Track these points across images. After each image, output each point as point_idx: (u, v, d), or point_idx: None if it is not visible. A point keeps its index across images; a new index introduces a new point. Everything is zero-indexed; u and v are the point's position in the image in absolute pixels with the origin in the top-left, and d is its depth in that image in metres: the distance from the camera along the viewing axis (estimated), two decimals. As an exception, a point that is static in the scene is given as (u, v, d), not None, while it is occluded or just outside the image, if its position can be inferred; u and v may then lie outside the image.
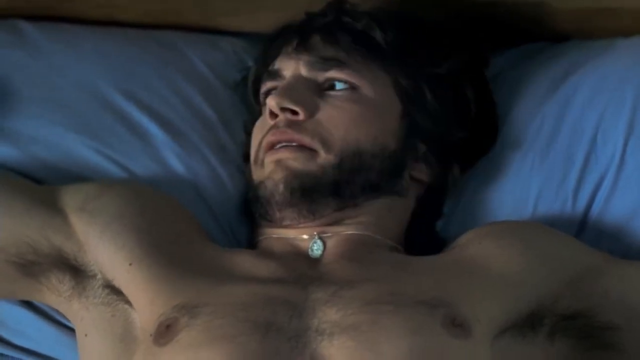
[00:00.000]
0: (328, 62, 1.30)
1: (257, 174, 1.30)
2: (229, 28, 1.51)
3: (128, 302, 1.20)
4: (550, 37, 1.49)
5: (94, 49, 1.44)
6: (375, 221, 1.28)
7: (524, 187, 1.37)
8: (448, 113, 1.33)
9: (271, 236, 1.29)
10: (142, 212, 1.26)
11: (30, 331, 1.32)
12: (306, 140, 1.26)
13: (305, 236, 1.27)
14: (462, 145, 1.35)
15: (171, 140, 1.38)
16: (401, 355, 1.09)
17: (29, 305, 1.32)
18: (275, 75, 1.33)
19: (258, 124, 1.34)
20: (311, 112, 1.28)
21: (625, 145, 1.35)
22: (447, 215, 1.39)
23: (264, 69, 1.36)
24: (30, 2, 1.43)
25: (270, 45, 1.37)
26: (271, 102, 1.27)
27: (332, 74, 1.30)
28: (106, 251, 1.22)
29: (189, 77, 1.44)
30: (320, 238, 1.26)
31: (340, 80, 1.30)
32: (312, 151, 1.26)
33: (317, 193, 1.25)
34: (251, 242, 1.35)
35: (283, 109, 1.27)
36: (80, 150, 1.36)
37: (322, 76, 1.30)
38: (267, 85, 1.34)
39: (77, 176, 1.35)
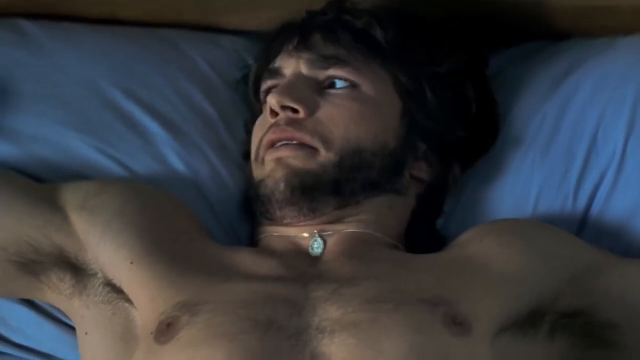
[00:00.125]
0: (329, 61, 1.30)
1: (257, 173, 1.30)
2: (229, 26, 1.51)
3: (129, 300, 1.20)
4: (550, 36, 1.48)
5: (94, 48, 1.43)
6: (376, 219, 1.29)
7: (524, 185, 1.37)
8: (448, 112, 1.33)
9: (272, 234, 1.29)
10: (143, 210, 1.26)
11: (31, 330, 1.32)
12: (307, 138, 1.26)
13: (305, 234, 1.27)
14: (463, 144, 1.35)
15: (172, 139, 1.38)
16: (402, 353, 1.09)
17: (29, 303, 1.32)
18: (276, 73, 1.33)
19: (259, 122, 1.34)
20: (312, 110, 1.28)
21: (626, 143, 1.35)
22: (447, 214, 1.39)
23: (265, 68, 1.36)
24: (30, 0, 1.43)
25: (271, 43, 1.37)
26: (272, 101, 1.27)
27: (333, 72, 1.30)
28: (107, 250, 1.22)
29: (190, 75, 1.44)
30: (321, 236, 1.26)
31: (340, 79, 1.30)
32: (312, 149, 1.26)
33: (317, 191, 1.25)
34: (252, 241, 1.35)
35: (284, 108, 1.27)
36: (81, 149, 1.36)
37: (323, 74, 1.30)
38: (267, 84, 1.34)
39: (77, 175, 1.35)
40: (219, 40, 1.49)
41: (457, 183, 1.37)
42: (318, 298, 1.14)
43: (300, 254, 1.26)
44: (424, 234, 1.35)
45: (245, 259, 1.24)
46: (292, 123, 1.27)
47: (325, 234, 1.27)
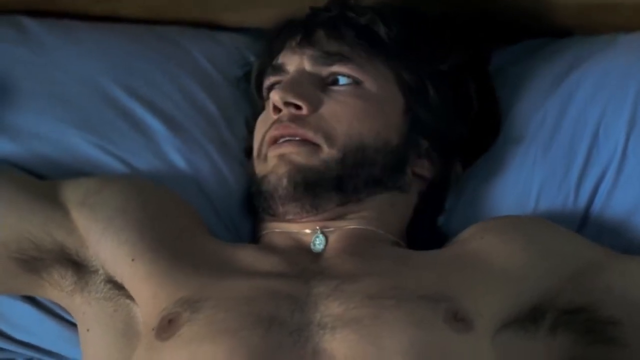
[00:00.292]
0: (332, 57, 1.30)
1: (260, 168, 1.30)
2: (229, 24, 1.51)
3: (130, 297, 1.20)
4: (551, 33, 1.49)
5: (95, 45, 1.44)
6: (378, 216, 1.29)
7: (526, 181, 1.37)
8: (450, 109, 1.33)
9: (274, 231, 1.29)
10: (144, 207, 1.26)
11: (33, 326, 1.32)
12: (309, 134, 1.26)
13: (307, 230, 1.27)
14: (465, 141, 1.36)
15: (173, 136, 1.38)
16: (403, 349, 1.09)
17: (31, 300, 1.32)
18: (279, 69, 1.33)
19: (261, 118, 1.34)
20: (315, 106, 1.28)
21: (627, 140, 1.35)
22: (449, 211, 1.39)
23: (268, 64, 1.36)
24: (31, -3, 1.44)
25: (274, 39, 1.37)
26: (275, 97, 1.27)
27: (336, 68, 1.30)
28: (108, 246, 1.22)
29: (191, 72, 1.44)
30: (323, 232, 1.26)
31: (343, 75, 1.30)
32: (315, 146, 1.26)
33: (320, 188, 1.25)
34: (253, 237, 1.35)
35: (287, 104, 1.27)
36: (82, 145, 1.36)
37: (326, 71, 1.30)
38: (270, 80, 1.34)
39: (78, 172, 1.34)
40: (219, 37, 1.50)
41: (458, 180, 1.37)
42: (320, 294, 1.14)
43: (302, 250, 1.26)
44: (426, 230, 1.35)
45: (247, 256, 1.24)
46: (294, 119, 1.27)
47: (327, 230, 1.27)
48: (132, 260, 1.20)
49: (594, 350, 1.23)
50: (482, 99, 1.37)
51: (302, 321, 1.11)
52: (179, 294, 1.15)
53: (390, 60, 1.31)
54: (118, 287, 1.20)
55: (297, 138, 1.26)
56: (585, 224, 1.35)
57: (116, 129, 1.38)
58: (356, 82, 1.30)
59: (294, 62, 1.32)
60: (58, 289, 1.24)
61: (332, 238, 1.26)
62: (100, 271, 1.21)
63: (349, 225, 1.27)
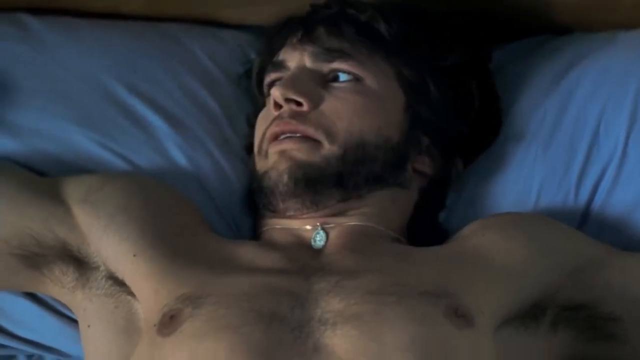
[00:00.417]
0: (332, 54, 1.30)
1: (260, 165, 1.30)
2: (230, 21, 1.51)
3: (131, 293, 1.20)
4: (551, 30, 1.49)
5: (96, 42, 1.44)
6: (378, 212, 1.29)
7: (526, 179, 1.37)
8: (451, 106, 1.33)
9: (274, 227, 1.29)
10: (145, 204, 1.26)
11: (34, 323, 1.33)
12: (310, 131, 1.26)
13: (308, 227, 1.27)
14: (465, 139, 1.36)
15: (174, 133, 1.38)
16: (404, 345, 1.09)
17: (31, 296, 1.32)
18: (280, 66, 1.33)
19: (262, 114, 1.34)
20: (315, 103, 1.28)
21: (628, 137, 1.35)
22: (449, 208, 1.39)
23: (269, 60, 1.36)
24: (33, -6, 1.44)
25: (274, 36, 1.37)
26: (275, 93, 1.28)
27: (337, 65, 1.30)
28: (110, 243, 1.22)
29: (192, 69, 1.44)
30: (323, 229, 1.27)
31: (344, 72, 1.30)
32: (316, 142, 1.26)
33: (320, 184, 1.25)
34: (254, 234, 1.35)
35: (287, 100, 1.27)
36: (83, 143, 1.36)
37: (327, 67, 1.31)
38: (271, 77, 1.35)
39: (79, 169, 1.35)
40: (221, 34, 1.50)
41: (459, 177, 1.37)
42: (320, 290, 1.14)
43: (303, 246, 1.26)
44: (426, 227, 1.35)
45: (248, 252, 1.24)
46: (295, 116, 1.27)
47: (328, 226, 1.27)
48: (134, 256, 1.20)
49: (594, 346, 1.23)
50: (482, 96, 1.37)
51: (302, 317, 1.11)
52: (180, 290, 1.15)
53: (390, 57, 1.31)
54: (119, 283, 1.20)
55: (297, 134, 1.26)
56: (585, 221, 1.35)
57: (117, 126, 1.38)
58: (357, 79, 1.30)
59: (294, 58, 1.32)
60: (59, 285, 1.24)
61: (333, 234, 1.26)
62: (102, 268, 1.22)
63: (350, 221, 1.27)
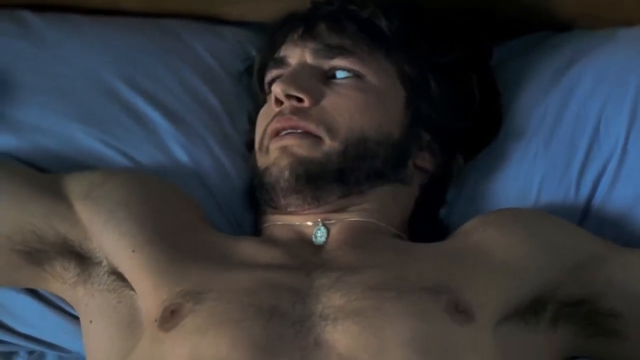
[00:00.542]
0: (333, 50, 1.30)
1: (262, 161, 1.30)
2: (229, 17, 1.52)
3: (133, 288, 1.20)
4: (552, 27, 1.49)
5: (97, 38, 1.44)
6: (379, 208, 1.29)
7: (527, 175, 1.37)
8: (452, 103, 1.33)
9: (275, 223, 1.29)
10: (146, 200, 1.26)
11: (34, 319, 1.33)
12: (311, 127, 1.26)
13: (309, 223, 1.27)
14: (466, 135, 1.36)
15: (175, 129, 1.38)
16: (404, 340, 1.09)
17: (33, 293, 1.32)
18: (281, 62, 1.33)
19: (263, 111, 1.34)
20: (316, 99, 1.28)
21: (628, 134, 1.35)
22: (450, 204, 1.40)
23: (270, 57, 1.36)
24: (34, -9, 1.44)
25: (276, 33, 1.37)
26: (276, 89, 1.28)
27: (338, 61, 1.30)
28: (110, 238, 1.22)
29: (193, 66, 1.44)
30: (324, 225, 1.27)
31: (345, 68, 1.30)
32: (317, 138, 1.26)
33: (321, 180, 1.26)
34: (255, 230, 1.35)
35: (288, 96, 1.28)
36: (84, 139, 1.36)
37: (328, 64, 1.31)
38: (272, 73, 1.35)
39: (81, 165, 1.35)
40: (221, 31, 1.50)
41: (460, 173, 1.37)
42: (321, 286, 1.15)
43: (304, 242, 1.26)
44: (427, 223, 1.35)
45: (249, 248, 1.24)
46: (296, 112, 1.27)
47: (329, 222, 1.27)
48: (133, 251, 1.20)
49: (594, 342, 1.23)
50: (483, 92, 1.37)
51: (303, 313, 1.11)
52: (180, 286, 1.15)
53: (391, 53, 1.32)
54: (122, 278, 1.20)
55: (298, 130, 1.27)
56: (586, 217, 1.36)
57: (118, 123, 1.38)
58: (357, 75, 1.30)
59: (295, 55, 1.32)
60: (60, 281, 1.24)
61: (334, 230, 1.27)
62: (104, 263, 1.22)
63: (351, 217, 1.27)
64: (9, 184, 1.26)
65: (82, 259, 1.23)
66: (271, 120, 1.29)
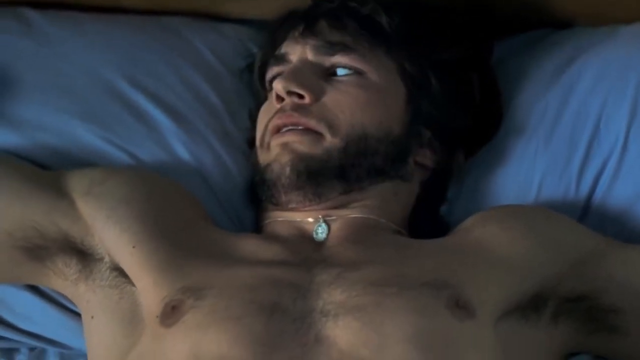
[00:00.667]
0: (334, 47, 1.30)
1: (263, 157, 1.31)
2: (230, 15, 1.52)
3: (135, 284, 1.20)
4: (551, 25, 1.49)
5: (99, 36, 1.44)
6: (380, 205, 1.29)
7: (527, 172, 1.37)
8: (452, 99, 1.34)
9: (276, 220, 1.29)
10: (148, 197, 1.27)
11: (36, 315, 1.33)
12: (312, 123, 1.26)
13: (310, 219, 1.27)
14: (467, 132, 1.36)
15: (176, 127, 1.39)
16: (405, 336, 1.09)
17: (34, 289, 1.32)
18: (282, 59, 1.34)
19: (264, 107, 1.35)
20: (317, 96, 1.28)
21: (628, 131, 1.35)
22: (451, 201, 1.40)
23: (270, 54, 1.36)
24: (36, -12, 1.44)
25: (276, 30, 1.37)
26: (277, 86, 1.28)
27: (338, 58, 1.30)
28: (111, 234, 1.22)
29: (194, 64, 1.44)
30: (325, 221, 1.27)
31: (346, 65, 1.30)
32: (318, 135, 1.26)
33: (322, 176, 1.26)
34: (256, 227, 1.35)
35: (289, 93, 1.28)
36: (86, 137, 1.37)
37: (328, 61, 1.31)
38: (273, 70, 1.35)
39: (82, 163, 1.35)
40: (222, 28, 1.50)
41: (460, 170, 1.38)
42: (322, 282, 1.15)
43: (305, 238, 1.26)
44: (428, 220, 1.35)
45: (250, 245, 1.25)
46: (297, 108, 1.27)
47: (330, 218, 1.27)
48: (133, 247, 1.20)
49: (595, 338, 1.23)
50: (484, 89, 1.37)
51: (304, 309, 1.12)
52: (181, 282, 1.15)
53: (392, 50, 1.32)
54: (124, 274, 1.21)
55: (300, 127, 1.27)
56: (586, 214, 1.36)
57: (120, 120, 1.38)
58: (358, 72, 1.30)
59: (296, 52, 1.32)
60: (62, 277, 1.24)
61: (335, 227, 1.27)
62: (106, 259, 1.22)
63: (352, 214, 1.28)
64: (11, 181, 1.27)
65: (83, 255, 1.23)
66: (272, 117, 1.29)
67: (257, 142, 1.33)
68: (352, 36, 1.31)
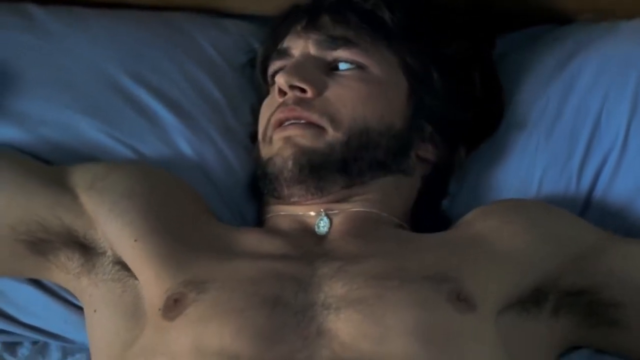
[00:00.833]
0: (336, 41, 1.31)
1: (265, 151, 1.31)
2: (233, 10, 1.52)
3: (137, 278, 1.20)
4: (552, 20, 1.50)
5: (102, 32, 1.44)
6: (382, 199, 1.29)
7: (528, 167, 1.38)
8: (454, 94, 1.34)
9: (278, 213, 1.30)
10: (150, 192, 1.27)
11: (38, 309, 1.33)
12: (314, 117, 1.27)
13: (312, 213, 1.27)
14: (468, 127, 1.37)
15: (179, 123, 1.39)
16: (406, 329, 1.09)
17: (37, 283, 1.32)
18: (284, 54, 1.34)
19: (266, 102, 1.35)
20: (319, 90, 1.28)
21: (629, 126, 1.35)
22: (452, 195, 1.40)
23: (273, 49, 1.37)
24: (39, -16, 1.45)
25: (279, 24, 1.38)
26: (280, 80, 1.28)
27: (341, 53, 1.31)
28: (113, 227, 1.22)
29: (198, 60, 1.45)
30: (327, 215, 1.27)
31: (348, 60, 1.31)
32: (320, 128, 1.27)
33: (325, 170, 1.26)
34: (258, 222, 1.36)
35: (292, 87, 1.28)
36: (89, 132, 1.37)
37: (331, 55, 1.31)
38: (276, 65, 1.35)
39: (86, 158, 1.35)
40: (224, 24, 1.50)
41: (462, 164, 1.38)
42: (323, 275, 1.15)
43: (306, 232, 1.27)
44: (429, 214, 1.35)
45: (252, 238, 1.25)
46: (300, 102, 1.27)
47: (331, 212, 1.27)
48: (135, 241, 1.20)
49: (596, 332, 1.24)
50: (485, 84, 1.37)
51: (306, 302, 1.12)
52: (183, 276, 1.16)
53: (394, 45, 1.32)
54: (126, 268, 1.21)
55: (302, 121, 1.27)
56: (587, 208, 1.36)
57: (123, 116, 1.38)
58: (360, 67, 1.30)
59: (299, 46, 1.33)
60: (64, 271, 1.24)
61: (337, 220, 1.27)
62: (108, 253, 1.22)
63: (353, 207, 1.28)
64: (14, 175, 1.27)
65: (86, 249, 1.23)
66: (275, 111, 1.30)
67: (260, 136, 1.33)
68: (354, 30, 1.31)
